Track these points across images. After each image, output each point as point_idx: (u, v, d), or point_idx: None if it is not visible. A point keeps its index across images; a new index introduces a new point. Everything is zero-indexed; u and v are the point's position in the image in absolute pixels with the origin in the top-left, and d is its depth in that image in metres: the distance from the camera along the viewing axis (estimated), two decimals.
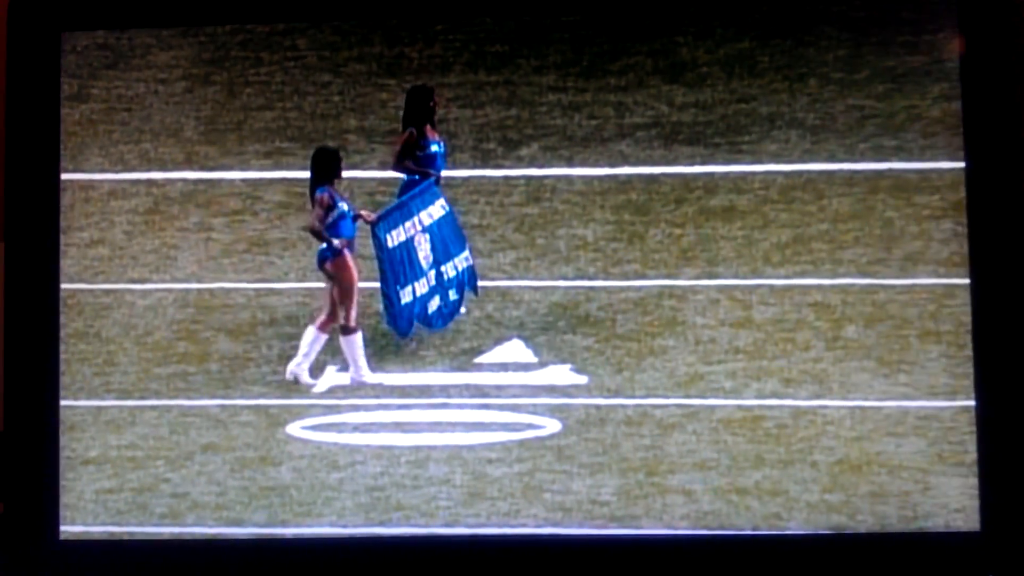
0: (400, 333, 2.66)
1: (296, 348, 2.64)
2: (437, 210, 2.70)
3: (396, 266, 2.71)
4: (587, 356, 2.57)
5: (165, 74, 2.63)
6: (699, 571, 2.54)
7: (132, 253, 2.63)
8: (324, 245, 2.69)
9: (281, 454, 2.59)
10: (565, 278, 2.61)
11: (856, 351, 2.51)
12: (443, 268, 2.72)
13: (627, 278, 2.59)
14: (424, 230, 2.72)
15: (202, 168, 2.64)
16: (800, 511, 2.48)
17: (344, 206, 2.69)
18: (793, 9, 2.53)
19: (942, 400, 2.48)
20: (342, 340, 2.67)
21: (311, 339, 2.65)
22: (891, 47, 2.51)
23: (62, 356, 2.63)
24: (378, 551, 2.56)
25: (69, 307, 2.62)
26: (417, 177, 2.70)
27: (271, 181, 2.65)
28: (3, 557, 2.83)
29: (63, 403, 2.64)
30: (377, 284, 2.68)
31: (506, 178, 2.61)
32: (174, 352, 2.62)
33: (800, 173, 2.54)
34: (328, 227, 2.69)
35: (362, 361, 2.66)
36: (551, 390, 2.57)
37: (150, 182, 2.64)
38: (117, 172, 2.65)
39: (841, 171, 2.53)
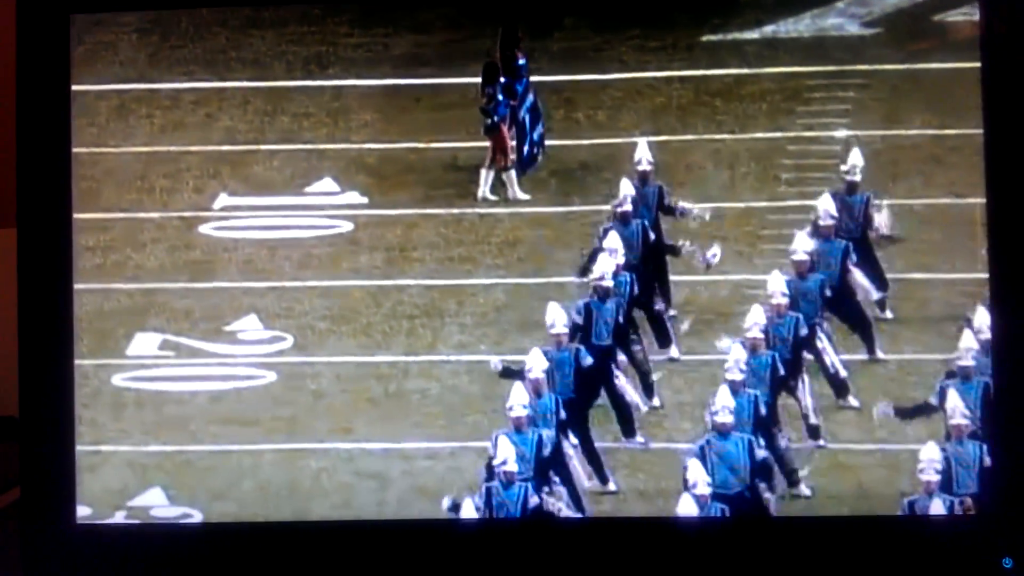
0: (526, 173, 4.29)
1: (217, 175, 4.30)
2: (530, 98, 4.32)
3: (526, 132, 4.33)
4: (368, 187, 4.28)
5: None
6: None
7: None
8: (488, 121, 4.31)
9: (196, 243, 4.24)
10: (355, 143, 4.33)
11: None
12: (534, 134, 4.33)
13: (396, 144, 4.32)
14: (528, 110, 4.32)
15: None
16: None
17: (500, 96, 4.29)
18: None
19: None
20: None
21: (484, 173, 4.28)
22: None
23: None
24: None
25: (82, 163, 4.26)
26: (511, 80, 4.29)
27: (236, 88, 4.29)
28: (20, 541, 3.05)
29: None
30: None
31: (320, 87, 4.32)
32: (159, 174, 4.25)
33: None
34: (491, 109, 4.29)
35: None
36: (346, 207, 4.26)
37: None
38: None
39: None
